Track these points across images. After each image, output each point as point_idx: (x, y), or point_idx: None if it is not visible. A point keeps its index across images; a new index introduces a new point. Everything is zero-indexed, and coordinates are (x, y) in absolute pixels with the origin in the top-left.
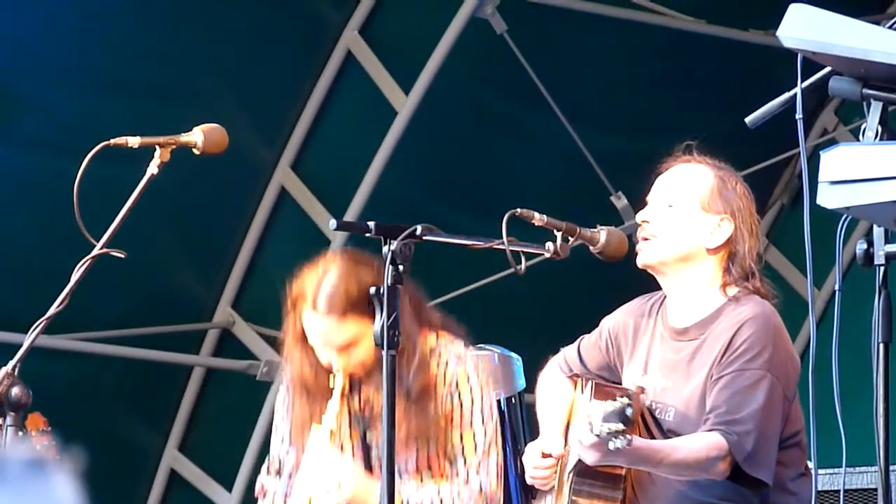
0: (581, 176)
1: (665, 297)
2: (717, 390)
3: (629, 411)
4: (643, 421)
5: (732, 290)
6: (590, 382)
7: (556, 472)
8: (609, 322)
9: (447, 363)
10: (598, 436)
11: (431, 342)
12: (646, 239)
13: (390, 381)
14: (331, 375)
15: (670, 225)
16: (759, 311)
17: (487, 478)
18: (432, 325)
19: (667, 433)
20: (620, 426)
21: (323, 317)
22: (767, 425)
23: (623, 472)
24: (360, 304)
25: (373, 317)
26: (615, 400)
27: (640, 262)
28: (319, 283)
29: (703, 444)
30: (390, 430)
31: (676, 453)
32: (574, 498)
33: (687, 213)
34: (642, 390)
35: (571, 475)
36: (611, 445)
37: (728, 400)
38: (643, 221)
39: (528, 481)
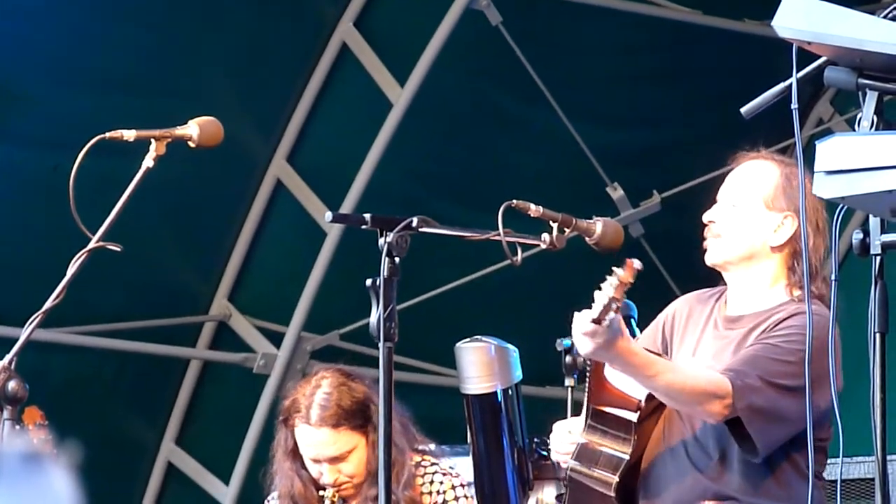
0: (577, 167)
1: (726, 289)
2: (744, 350)
3: (615, 280)
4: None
5: (797, 292)
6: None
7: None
8: (666, 312)
9: (433, 476)
10: (594, 321)
11: (417, 459)
12: (712, 238)
13: (387, 375)
14: (320, 491)
15: (734, 224)
16: (823, 315)
17: None
18: (418, 448)
19: None
20: (610, 294)
21: (316, 429)
22: (781, 403)
23: (634, 417)
24: (352, 417)
25: (364, 430)
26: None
27: (709, 261)
28: (313, 396)
29: (704, 376)
30: (387, 426)
31: (672, 373)
32: (586, 440)
33: (750, 211)
34: (634, 264)
35: (586, 420)
36: (606, 320)
37: (750, 360)
38: (709, 221)
39: (553, 457)
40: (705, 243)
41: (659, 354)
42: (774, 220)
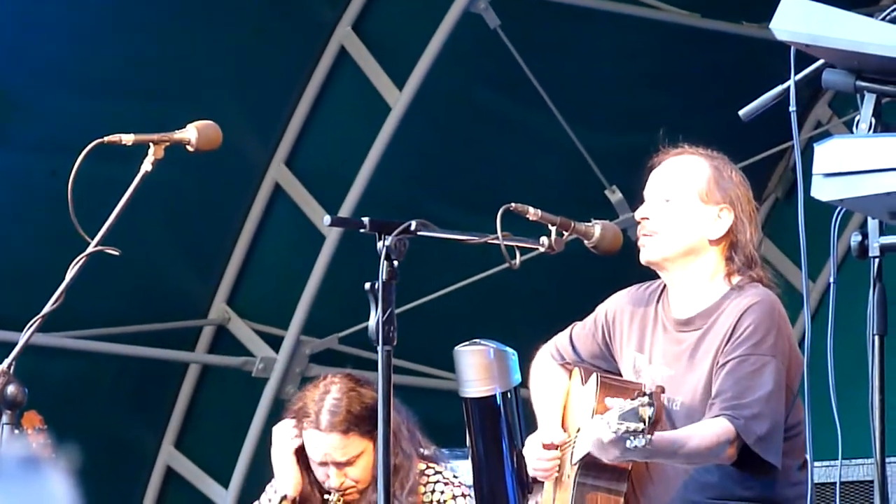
0: (575, 170)
1: (664, 285)
2: (723, 375)
3: (651, 411)
4: None
5: (735, 279)
6: (594, 375)
7: (558, 462)
8: (604, 309)
9: (434, 485)
10: (615, 433)
11: (421, 467)
12: (647, 236)
13: (386, 379)
14: (325, 495)
15: (670, 220)
16: (763, 297)
17: None
18: (424, 453)
19: (674, 423)
20: (640, 425)
21: (326, 434)
22: (775, 409)
23: (628, 465)
24: (362, 423)
25: (373, 436)
26: (633, 398)
27: (644, 259)
28: (322, 401)
29: (712, 431)
30: (385, 429)
31: (689, 443)
32: (579, 490)
33: (686, 206)
34: (663, 389)
35: (577, 467)
36: (629, 444)
37: (734, 385)
38: (642, 218)
39: (531, 473)
40: (639, 242)
41: (605, 355)
42: (710, 213)
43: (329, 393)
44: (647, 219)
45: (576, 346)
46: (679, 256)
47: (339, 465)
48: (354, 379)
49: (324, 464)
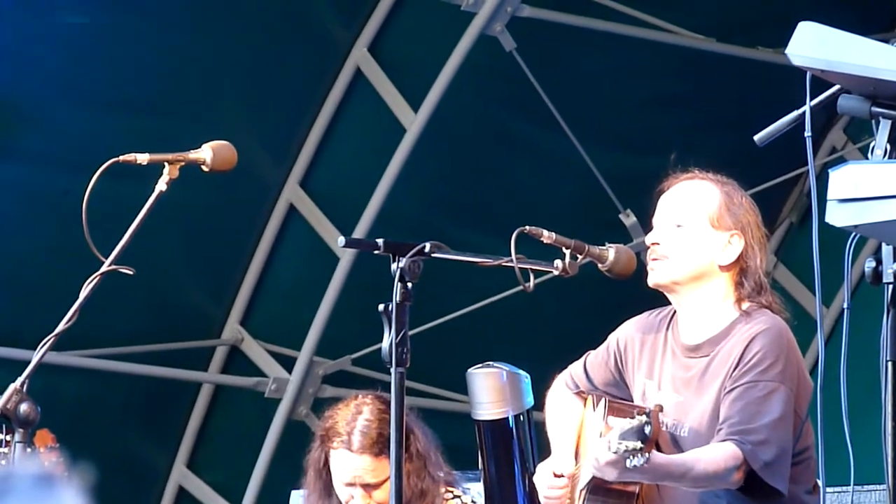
0: (590, 193)
1: (674, 312)
2: (731, 401)
3: (648, 429)
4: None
5: (745, 305)
6: (602, 400)
7: (568, 492)
8: (615, 337)
9: None
10: (615, 453)
11: (441, 490)
12: (657, 260)
13: (399, 400)
14: None
15: (681, 245)
16: (771, 323)
17: None
18: (443, 478)
19: (681, 449)
20: (639, 444)
21: (358, 455)
22: (782, 435)
23: (636, 489)
24: None
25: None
26: (633, 418)
27: (653, 282)
28: (354, 422)
29: (719, 455)
30: (398, 449)
31: (696, 467)
32: None
33: (697, 231)
34: (661, 408)
35: (584, 492)
36: (628, 463)
37: (741, 410)
38: (653, 243)
39: (542, 502)
40: (649, 265)
41: (618, 382)
42: (721, 240)
43: (361, 413)
44: (658, 243)
45: (590, 375)
46: (689, 281)
47: (368, 487)
48: (385, 400)
49: (351, 485)
